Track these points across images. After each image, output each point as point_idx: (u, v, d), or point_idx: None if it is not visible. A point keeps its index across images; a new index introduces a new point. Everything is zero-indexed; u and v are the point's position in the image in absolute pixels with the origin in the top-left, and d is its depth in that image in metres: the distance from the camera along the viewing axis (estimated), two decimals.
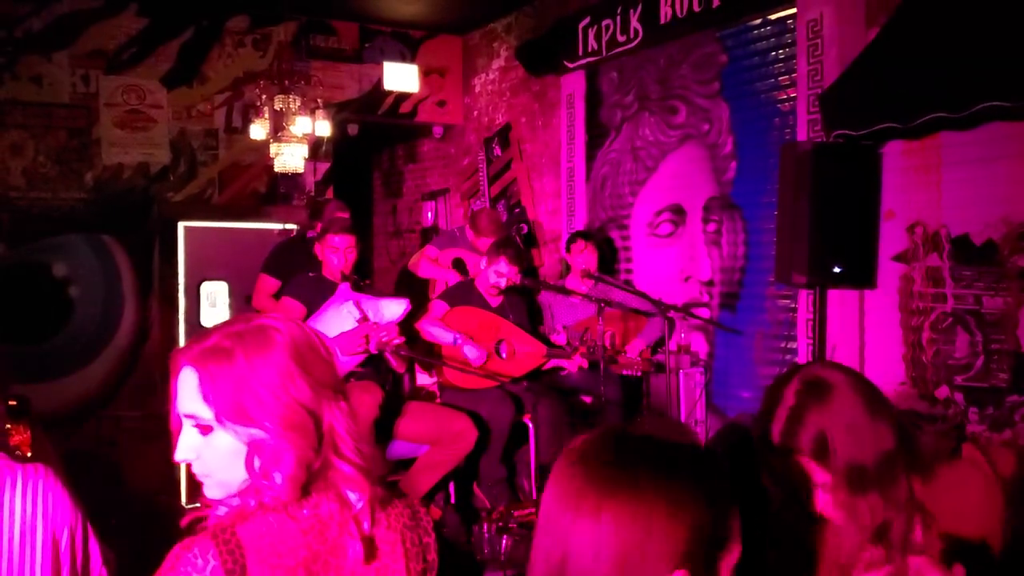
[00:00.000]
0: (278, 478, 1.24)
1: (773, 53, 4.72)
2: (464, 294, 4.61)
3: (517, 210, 6.74)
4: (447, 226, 7.37)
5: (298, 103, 5.61)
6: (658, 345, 4.89)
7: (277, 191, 6.74)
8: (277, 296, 4.76)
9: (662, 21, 5.24)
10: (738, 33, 4.94)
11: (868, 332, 4.23)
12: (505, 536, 3.94)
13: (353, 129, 7.10)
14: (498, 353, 4.49)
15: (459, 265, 5.50)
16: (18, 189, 5.91)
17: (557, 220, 6.30)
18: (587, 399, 4.69)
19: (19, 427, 1.98)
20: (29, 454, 1.96)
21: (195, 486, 1.31)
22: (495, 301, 4.60)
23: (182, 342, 4.80)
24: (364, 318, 3.88)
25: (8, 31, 5.86)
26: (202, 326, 6.03)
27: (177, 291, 6.17)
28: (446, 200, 7.64)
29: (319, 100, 5.86)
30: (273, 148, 5.64)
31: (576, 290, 4.87)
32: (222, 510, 1.25)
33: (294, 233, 5.84)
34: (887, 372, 4.11)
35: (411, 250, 7.59)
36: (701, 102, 5.19)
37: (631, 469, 1.00)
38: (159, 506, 5.09)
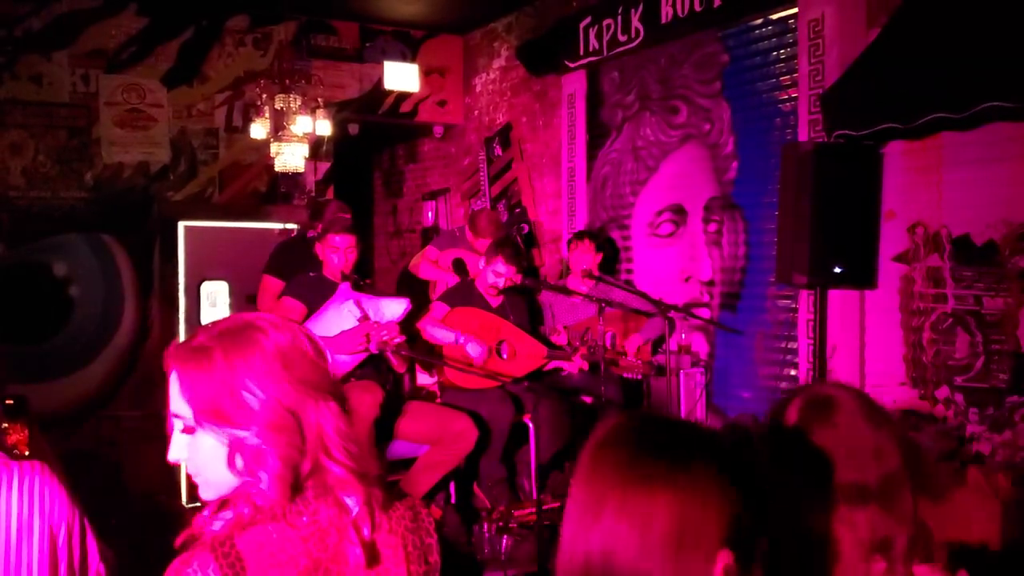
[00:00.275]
0: (264, 478, 1.23)
1: (774, 53, 4.72)
2: (464, 295, 4.60)
3: (518, 210, 6.73)
4: (447, 226, 7.36)
5: (299, 102, 5.60)
6: (658, 345, 4.89)
7: (277, 191, 6.74)
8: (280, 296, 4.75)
9: (663, 21, 5.23)
10: (739, 33, 4.94)
11: (869, 332, 4.23)
12: (505, 536, 3.95)
13: (354, 129, 7.09)
14: (499, 354, 4.49)
15: (459, 265, 5.49)
16: (18, 188, 5.91)
17: (558, 220, 6.29)
18: (588, 399, 4.69)
19: (16, 426, 1.98)
20: (27, 452, 1.96)
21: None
22: (495, 302, 4.59)
23: None
24: (365, 317, 3.88)
25: (8, 30, 5.86)
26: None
27: (177, 291, 6.16)
28: (447, 200, 7.64)
29: (320, 99, 5.85)
30: (273, 147, 5.63)
31: (577, 290, 4.87)
32: (218, 524, 1.24)
33: (295, 233, 5.83)
34: (887, 372, 4.11)
35: (411, 250, 7.60)
36: (702, 102, 5.18)
37: (683, 450, 1.01)
38: (159, 506, 5.09)
